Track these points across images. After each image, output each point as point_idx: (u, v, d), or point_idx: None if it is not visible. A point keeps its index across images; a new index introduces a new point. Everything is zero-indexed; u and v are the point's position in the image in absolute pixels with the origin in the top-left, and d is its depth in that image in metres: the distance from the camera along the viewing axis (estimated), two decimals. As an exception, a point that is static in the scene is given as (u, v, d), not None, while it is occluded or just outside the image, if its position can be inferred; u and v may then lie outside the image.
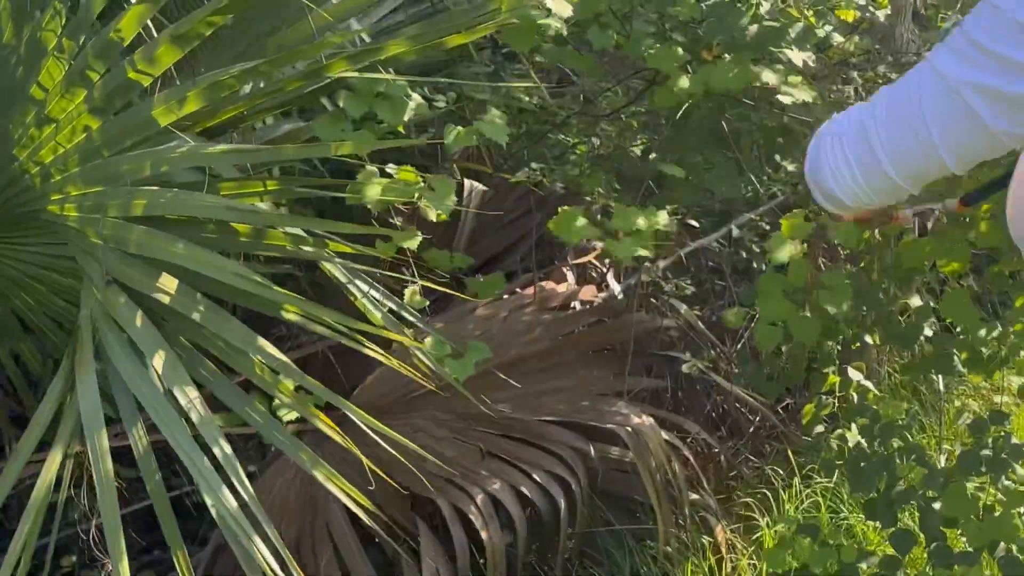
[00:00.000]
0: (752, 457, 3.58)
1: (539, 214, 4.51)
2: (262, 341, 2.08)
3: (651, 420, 3.21)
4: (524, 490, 3.03)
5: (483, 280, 2.96)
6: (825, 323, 2.93)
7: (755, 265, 3.55)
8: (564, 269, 4.05)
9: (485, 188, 4.45)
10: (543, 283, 3.92)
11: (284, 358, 2.07)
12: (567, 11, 2.50)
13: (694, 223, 4.15)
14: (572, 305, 3.85)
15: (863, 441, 2.88)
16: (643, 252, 2.54)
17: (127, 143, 2.21)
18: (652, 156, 3.03)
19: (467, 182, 4.42)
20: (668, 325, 3.69)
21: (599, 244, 4.23)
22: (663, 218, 2.59)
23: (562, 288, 3.91)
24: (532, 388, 3.53)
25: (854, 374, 3.12)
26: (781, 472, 3.45)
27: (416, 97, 2.32)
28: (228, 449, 2.08)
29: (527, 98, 3.76)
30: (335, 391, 3.89)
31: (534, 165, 4.03)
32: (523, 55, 3.76)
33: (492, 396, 3.47)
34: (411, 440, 3.26)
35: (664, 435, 3.25)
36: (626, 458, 3.21)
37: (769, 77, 2.58)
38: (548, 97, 3.78)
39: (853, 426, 2.94)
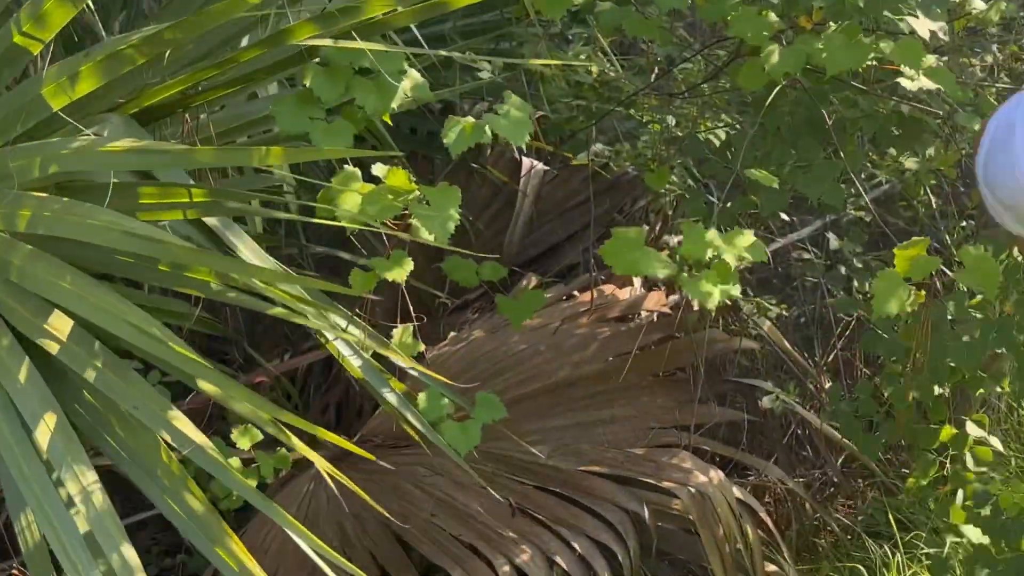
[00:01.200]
0: (841, 516, 2.95)
1: (606, 200, 3.90)
2: (174, 413, 1.51)
3: (720, 476, 2.59)
4: (560, 560, 2.44)
5: (517, 299, 2.35)
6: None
7: (855, 284, 2.87)
8: (630, 270, 3.44)
9: (547, 167, 3.86)
10: (603, 287, 3.32)
11: (203, 440, 1.50)
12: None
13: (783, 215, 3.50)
14: (635, 315, 3.25)
15: (982, 539, 2.25)
16: (729, 292, 1.92)
17: (17, 131, 1.65)
18: (731, 152, 2.39)
19: (526, 160, 3.84)
20: (749, 347, 3.06)
21: (674, 237, 3.62)
22: (747, 240, 1.96)
23: (624, 294, 3.31)
24: (582, 417, 2.95)
25: (973, 429, 2.47)
26: (872, 543, 2.82)
27: (413, 75, 1.71)
28: (131, 557, 1.52)
29: (591, 68, 3.15)
30: (350, 410, 3.38)
31: (599, 145, 3.41)
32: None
33: (533, 427, 2.88)
34: (430, 485, 2.70)
35: (737, 492, 2.63)
36: (689, 514, 2.60)
37: (894, 55, 1.93)
38: (618, 67, 3.16)
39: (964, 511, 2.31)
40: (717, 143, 2.96)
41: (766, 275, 3.68)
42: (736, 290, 1.97)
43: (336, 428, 3.08)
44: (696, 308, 3.23)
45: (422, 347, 1.85)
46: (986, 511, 2.20)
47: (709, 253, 1.95)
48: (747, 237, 1.99)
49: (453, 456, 1.86)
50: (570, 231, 3.90)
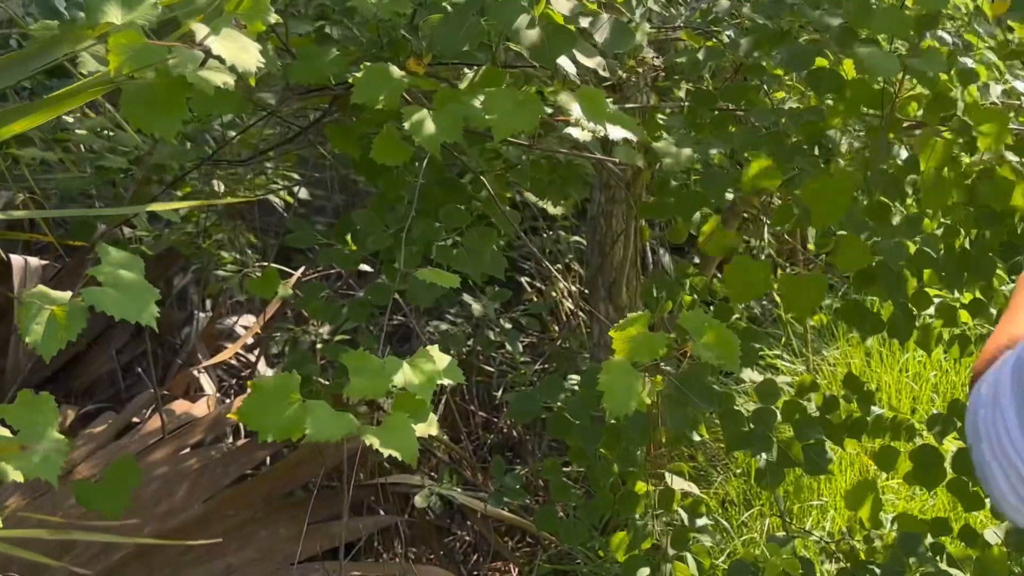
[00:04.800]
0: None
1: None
2: None
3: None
4: None
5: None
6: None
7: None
8: (196, 373, 2.84)
9: (45, 262, 3.14)
10: (171, 405, 2.68)
11: None
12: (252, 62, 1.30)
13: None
14: (225, 431, 2.66)
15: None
16: (429, 431, 1.45)
17: None
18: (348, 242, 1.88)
19: (16, 259, 3.09)
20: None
21: (248, 320, 3.05)
22: (441, 361, 1.50)
23: (201, 408, 2.70)
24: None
25: (680, 483, 2.18)
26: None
27: None
28: None
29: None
30: None
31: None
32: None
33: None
34: None
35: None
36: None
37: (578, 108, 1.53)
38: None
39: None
40: (282, 203, 2.43)
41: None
42: (434, 427, 1.50)
43: None
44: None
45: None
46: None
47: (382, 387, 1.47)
48: (438, 357, 1.52)
49: None
50: (96, 330, 3.18)
